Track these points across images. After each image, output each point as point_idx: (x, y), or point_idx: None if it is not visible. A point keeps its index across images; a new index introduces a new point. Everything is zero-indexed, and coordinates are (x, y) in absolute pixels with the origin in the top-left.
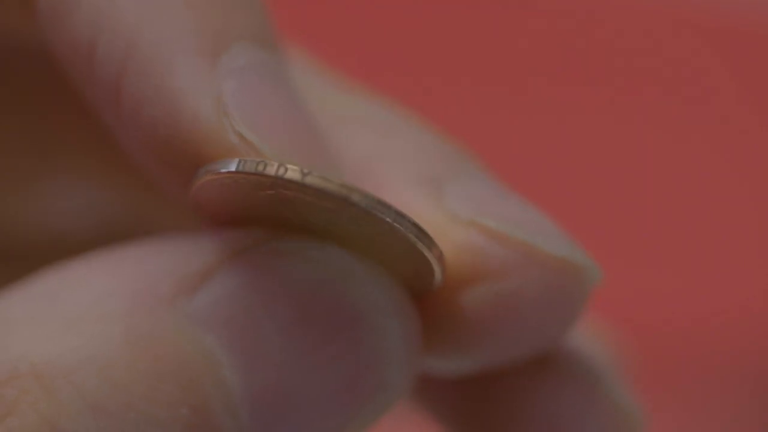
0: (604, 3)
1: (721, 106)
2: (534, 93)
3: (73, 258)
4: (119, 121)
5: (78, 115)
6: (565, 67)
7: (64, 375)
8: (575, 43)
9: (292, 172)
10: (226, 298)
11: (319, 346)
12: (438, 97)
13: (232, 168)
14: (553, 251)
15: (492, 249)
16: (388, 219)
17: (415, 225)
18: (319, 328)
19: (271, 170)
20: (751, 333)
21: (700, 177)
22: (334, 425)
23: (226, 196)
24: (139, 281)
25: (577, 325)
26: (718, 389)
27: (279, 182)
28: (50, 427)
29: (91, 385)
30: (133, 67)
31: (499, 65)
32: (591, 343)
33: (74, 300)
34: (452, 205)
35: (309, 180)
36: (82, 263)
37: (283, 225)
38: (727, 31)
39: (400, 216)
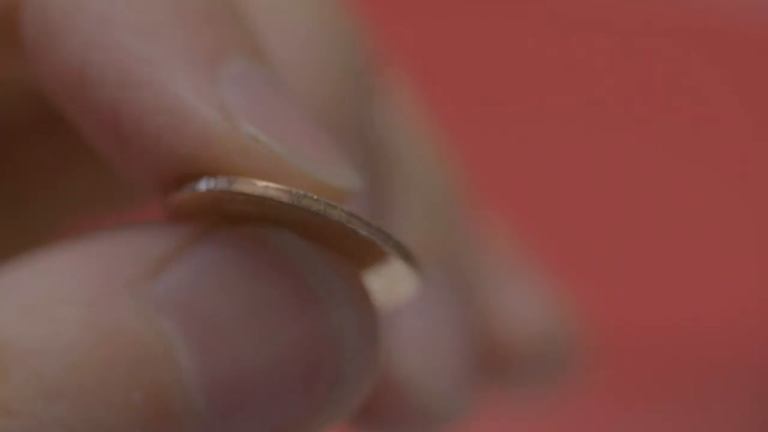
0: (600, 8)
1: (716, 108)
2: (529, 99)
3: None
4: (119, 144)
5: None
6: (561, 72)
7: (19, 359)
8: (570, 49)
9: (229, 184)
10: (184, 284)
11: (275, 334)
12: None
13: (203, 188)
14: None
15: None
16: (324, 214)
17: (350, 214)
18: (276, 316)
19: (260, 191)
20: (750, 335)
21: (698, 179)
22: (292, 415)
23: (200, 207)
24: (98, 267)
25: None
26: (718, 392)
27: (260, 200)
28: (4, 410)
29: (46, 368)
30: (131, 88)
31: (493, 73)
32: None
33: (33, 286)
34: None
35: (237, 188)
36: (44, 253)
37: (243, 217)
38: (722, 33)
39: (330, 206)
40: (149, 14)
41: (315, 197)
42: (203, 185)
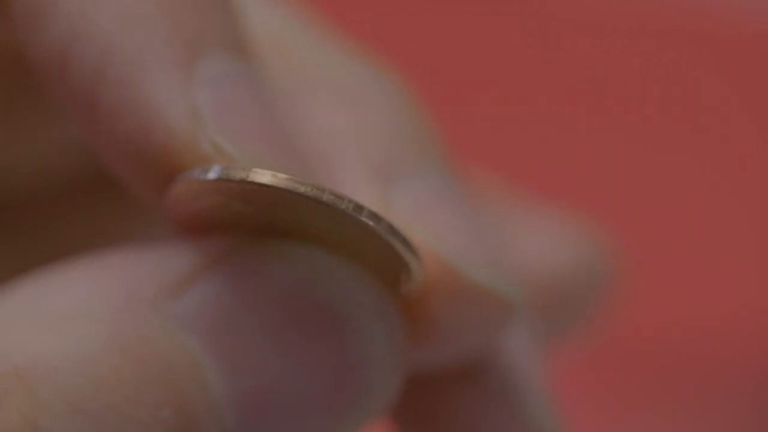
0: (600, 11)
1: (719, 111)
2: (529, 100)
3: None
4: (93, 130)
5: None
6: (561, 74)
7: (46, 375)
8: (569, 51)
9: (261, 176)
10: (209, 301)
11: (302, 349)
12: (435, 104)
13: (202, 176)
14: (471, 274)
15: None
16: (363, 219)
17: (390, 226)
18: (302, 331)
19: (242, 175)
20: (752, 338)
21: (698, 181)
22: (318, 428)
23: (203, 205)
24: (124, 283)
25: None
26: (719, 394)
27: (249, 187)
28: (31, 428)
29: (73, 385)
30: (108, 78)
31: (493, 74)
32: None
33: (59, 301)
34: (396, 207)
35: (279, 182)
36: (69, 266)
37: (263, 230)
38: (722, 36)
39: (375, 217)
40: (133, 2)
41: (362, 205)
42: (211, 173)
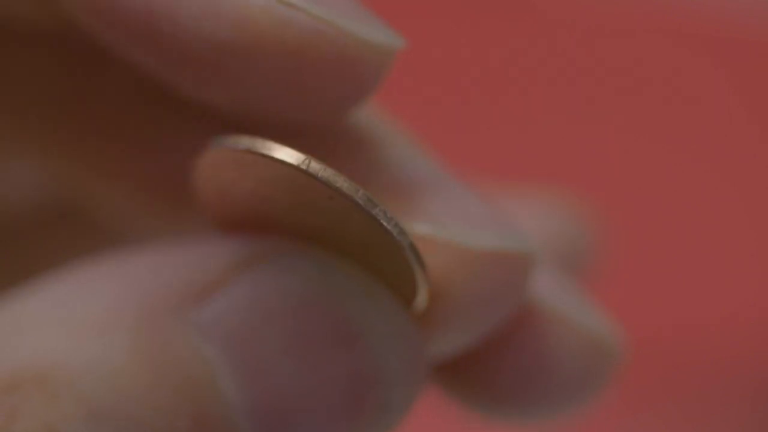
0: (601, 13)
1: (720, 113)
2: (530, 101)
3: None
4: (155, 48)
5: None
6: (561, 75)
7: (67, 382)
8: (572, 53)
9: (282, 154)
10: (230, 312)
11: (319, 364)
12: (435, 104)
13: (231, 145)
14: (478, 243)
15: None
16: (387, 227)
17: (412, 245)
18: (320, 346)
19: (276, 153)
20: (753, 339)
21: (697, 182)
22: None
23: (229, 178)
24: (147, 289)
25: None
26: (719, 396)
27: (271, 163)
28: None
29: (94, 392)
30: None
31: (495, 74)
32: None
33: (82, 306)
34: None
35: (318, 173)
36: (93, 268)
37: (289, 228)
38: (725, 39)
39: (401, 231)
40: None
41: (392, 215)
42: (242, 143)
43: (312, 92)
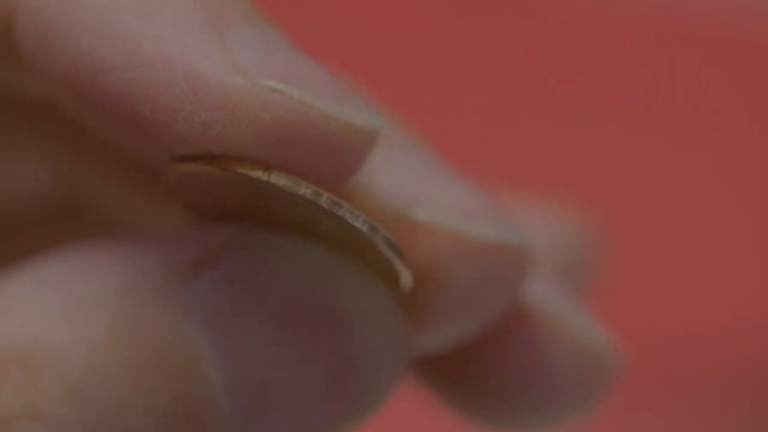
0: (598, 13)
1: (720, 114)
2: (530, 102)
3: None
4: (135, 128)
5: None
6: (560, 76)
7: (48, 360)
8: (569, 53)
9: (256, 173)
10: (213, 292)
11: (302, 344)
12: (434, 104)
13: (204, 163)
14: (475, 233)
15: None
16: (356, 225)
17: (384, 237)
18: (302, 327)
19: (238, 168)
20: (753, 340)
21: (697, 183)
22: (316, 423)
23: (200, 189)
24: (130, 270)
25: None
26: (719, 396)
27: (246, 179)
28: (30, 411)
29: (74, 371)
30: (142, 66)
31: (491, 74)
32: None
33: (65, 287)
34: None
35: (280, 183)
36: (75, 251)
37: (267, 218)
38: (725, 39)
39: (371, 227)
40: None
41: (359, 213)
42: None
43: (297, 170)
